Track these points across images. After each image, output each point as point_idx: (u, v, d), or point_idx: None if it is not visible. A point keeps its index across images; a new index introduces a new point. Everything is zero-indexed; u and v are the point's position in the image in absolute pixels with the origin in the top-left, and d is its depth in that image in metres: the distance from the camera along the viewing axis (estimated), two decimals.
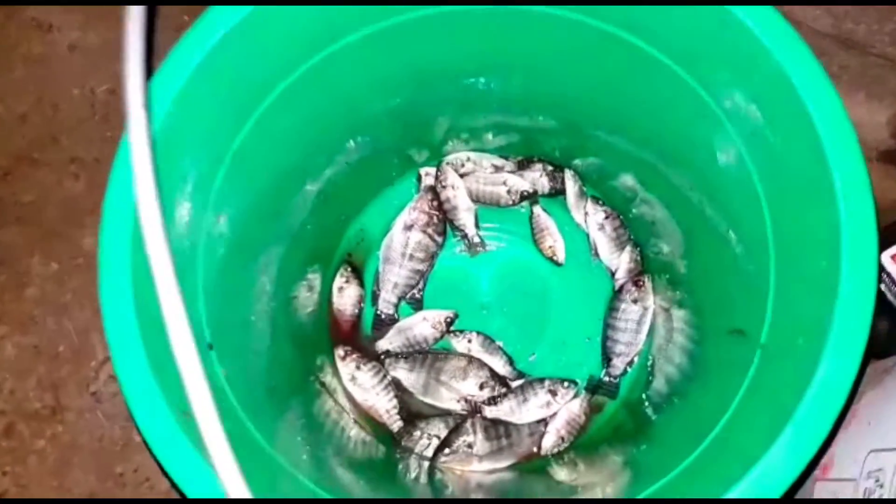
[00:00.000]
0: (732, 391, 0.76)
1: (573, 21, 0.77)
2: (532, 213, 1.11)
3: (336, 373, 1.04)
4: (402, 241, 1.06)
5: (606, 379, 1.06)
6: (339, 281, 1.10)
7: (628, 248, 1.09)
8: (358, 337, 1.10)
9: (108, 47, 1.27)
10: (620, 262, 1.09)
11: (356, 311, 1.10)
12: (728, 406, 0.75)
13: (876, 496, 0.72)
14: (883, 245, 0.87)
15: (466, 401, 1.03)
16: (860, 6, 1.07)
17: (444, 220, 1.09)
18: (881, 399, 0.79)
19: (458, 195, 1.09)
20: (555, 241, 1.10)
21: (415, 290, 1.09)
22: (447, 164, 1.10)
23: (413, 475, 0.99)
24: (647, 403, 1.01)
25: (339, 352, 1.04)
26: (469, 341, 1.06)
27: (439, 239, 1.09)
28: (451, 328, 1.07)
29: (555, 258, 1.10)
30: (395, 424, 1.04)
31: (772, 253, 0.78)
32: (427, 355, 1.05)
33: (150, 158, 0.49)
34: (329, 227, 1.09)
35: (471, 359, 1.05)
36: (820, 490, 0.88)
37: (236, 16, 0.68)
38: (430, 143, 1.08)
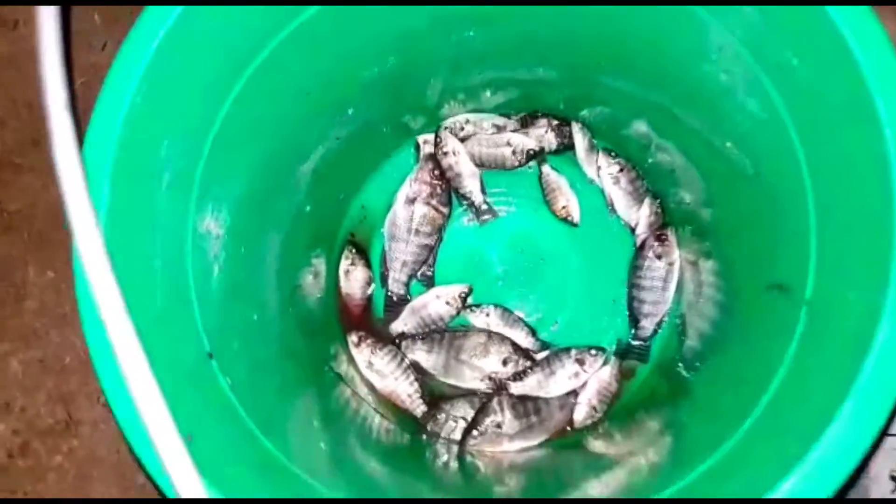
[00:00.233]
0: (778, 354, 0.70)
1: None
2: (541, 172, 1.07)
3: (351, 361, 1.02)
4: (406, 216, 1.02)
5: (636, 342, 1.02)
6: (344, 264, 1.06)
7: (647, 201, 1.04)
8: (370, 321, 1.07)
9: (78, 39, 1.20)
10: (640, 216, 1.04)
11: (366, 294, 1.07)
12: (775, 371, 0.69)
13: None
14: None
15: (490, 378, 1.01)
16: None
17: (448, 190, 1.05)
18: None
19: (460, 161, 1.04)
20: (568, 201, 1.05)
21: (425, 267, 1.05)
22: (445, 128, 1.05)
23: (442, 461, 0.96)
24: (680, 364, 0.97)
25: (353, 338, 1.01)
26: (487, 315, 1.03)
27: (445, 210, 1.05)
28: (467, 303, 1.04)
29: (569, 219, 1.06)
30: (419, 409, 1.01)
31: (809, 195, 0.71)
32: (444, 334, 1.02)
33: (80, 166, 0.42)
34: (328, 207, 1.05)
35: (491, 334, 1.01)
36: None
37: None
38: (425, 108, 1.03)
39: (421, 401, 1.01)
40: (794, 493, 0.55)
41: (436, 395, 1.02)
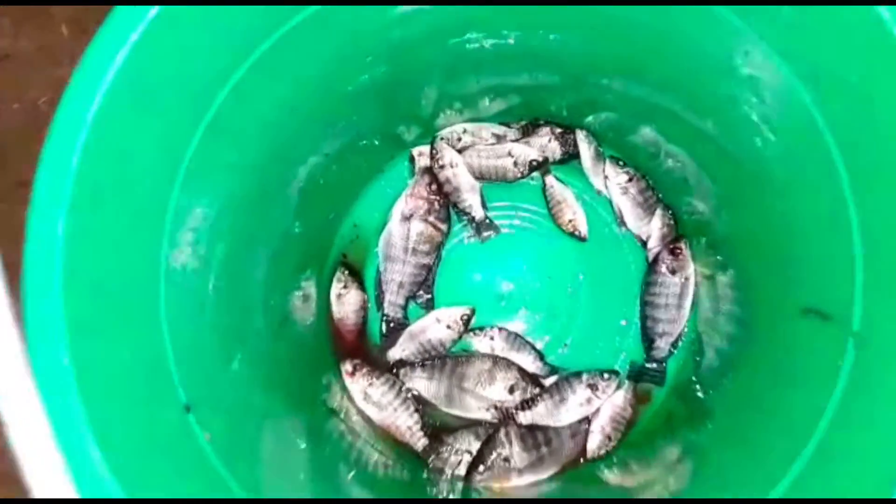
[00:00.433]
0: (822, 388, 0.64)
1: None
2: (545, 184, 1.03)
3: (345, 392, 0.97)
4: (402, 235, 0.98)
5: (651, 364, 0.98)
6: (336, 287, 1.02)
7: (659, 212, 1.01)
8: (365, 348, 1.02)
9: (44, 53, 1.12)
10: (651, 228, 1.00)
11: (360, 318, 1.02)
12: (822, 409, 0.63)
13: None
14: None
15: (496, 408, 0.96)
16: None
17: (446, 205, 1.01)
18: None
19: (458, 174, 1.00)
20: (574, 214, 1.01)
21: (423, 289, 1.01)
22: (441, 139, 1.02)
23: (446, 498, 0.92)
24: (698, 386, 0.94)
25: (347, 367, 0.96)
26: (491, 339, 0.99)
27: (443, 227, 1.01)
28: (470, 326, 1.00)
29: (577, 233, 1.01)
30: (420, 442, 0.96)
31: (852, 213, 0.64)
32: (446, 361, 0.98)
33: None
34: (318, 227, 1.01)
35: (496, 359, 0.97)
36: None
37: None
38: (419, 118, 1.00)
39: (422, 433, 0.96)
40: None
41: (438, 427, 0.98)
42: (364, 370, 0.96)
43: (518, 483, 0.92)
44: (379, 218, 1.03)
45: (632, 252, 1.03)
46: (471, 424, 0.97)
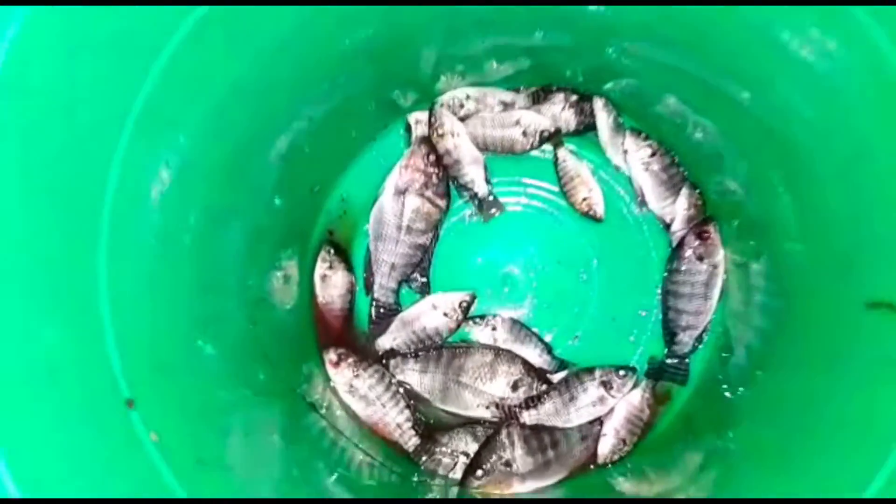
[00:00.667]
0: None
1: None
2: (557, 157, 0.99)
3: (328, 384, 0.94)
4: (395, 211, 0.94)
5: (672, 360, 0.95)
6: (321, 267, 0.98)
7: (684, 191, 0.96)
8: (352, 336, 0.99)
9: None
10: (676, 209, 0.96)
11: (346, 303, 0.99)
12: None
13: None
14: None
15: (497, 406, 0.93)
16: None
17: (445, 179, 0.97)
18: None
19: (460, 145, 0.96)
20: (590, 192, 0.97)
21: (417, 271, 0.97)
22: (442, 106, 0.98)
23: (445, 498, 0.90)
24: (725, 385, 0.90)
25: (331, 356, 0.93)
26: (493, 329, 0.96)
27: (442, 203, 0.96)
28: (469, 314, 0.96)
29: (591, 213, 0.98)
30: (410, 442, 0.93)
31: None
32: (442, 351, 0.95)
33: None
34: (301, 200, 0.97)
35: (498, 351, 0.94)
36: None
37: None
38: (417, 81, 0.96)
39: (413, 432, 0.93)
40: None
41: (431, 426, 0.95)
42: (350, 360, 0.93)
43: (520, 490, 0.89)
44: (370, 192, 0.98)
45: (653, 235, 0.99)
46: (468, 423, 0.94)
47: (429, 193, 0.94)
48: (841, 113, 0.66)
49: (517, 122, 0.97)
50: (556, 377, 0.95)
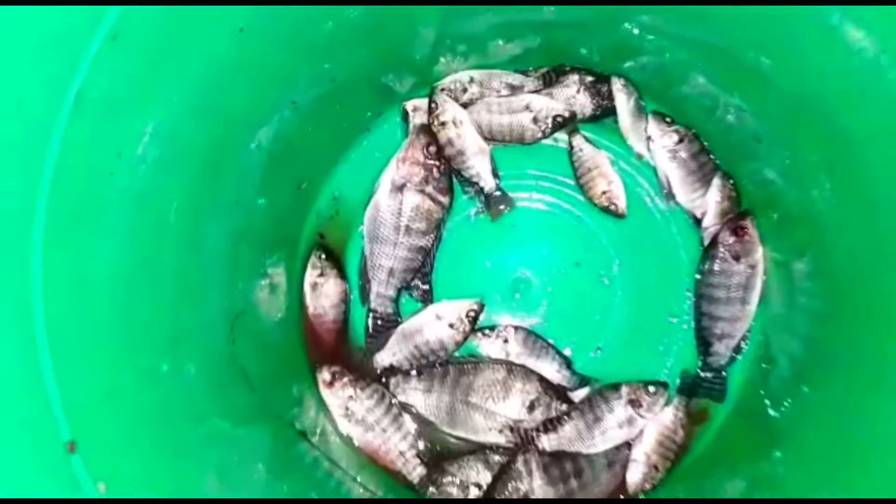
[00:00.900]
0: None
1: None
2: (572, 146, 0.96)
3: (322, 407, 0.91)
4: (392, 209, 0.90)
5: (707, 374, 0.91)
6: (311, 274, 0.95)
7: (717, 181, 0.93)
8: (347, 351, 0.96)
9: None
10: (707, 201, 0.93)
11: (340, 314, 0.96)
12: None
13: None
14: None
15: (512, 429, 0.89)
16: None
17: (447, 172, 0.94)
18: None
19: (462, 134, 0.93)
20: (609, 184, 0.94)
21: (419, 277, 0.94)
22: (442, 90, 0.95)
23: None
24: (768, 401, 0.86)
25: (324, 375, 0.91)
26: (505, 341, 0.93)
27: (444, 199, 0.93)
28: (477, 325, 0.93)
29: (612, 207, 0.95)
30: (415, 472, 0.89)
31: None
32: (448, 368, 0.92)
33: None
34: (288, 199, 0.94)
35: (510, 366, 0.91)
36: None
37: None
38: (413, 64, 0.93)
39: (418, 460, 0.90)
40: None
41: (437, 453, 0.92)
42: (345, 379, 0.90)
43: None
44: (364, 188, 0.96)
45: (682, 232, 0.97)
46: (479, 449, 0.91)
47: (429, 189, 0.91)
48: (888, 93, 0.63)
49: (527, 108, 0.94)
50: (578, 395, 0.93)
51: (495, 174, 0.95)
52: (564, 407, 0.89)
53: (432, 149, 0.92)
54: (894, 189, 0.67)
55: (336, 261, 0.96)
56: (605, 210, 0.95)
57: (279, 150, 0.84)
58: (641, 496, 0.88)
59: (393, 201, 0.90)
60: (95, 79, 0.56)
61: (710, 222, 0.92)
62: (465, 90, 0.96)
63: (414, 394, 0.91)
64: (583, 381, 0.92)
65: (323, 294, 0.95)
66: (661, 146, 0.93)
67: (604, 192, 0.94)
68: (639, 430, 0.88)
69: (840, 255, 0.79)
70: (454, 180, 0.96)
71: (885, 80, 0.63)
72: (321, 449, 0.86)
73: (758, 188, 0.91)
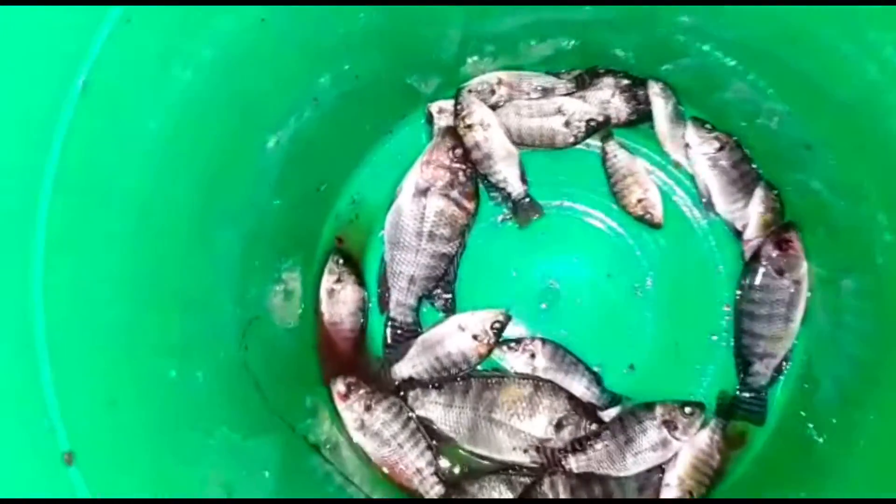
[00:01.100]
0: None
1: None
2: (606, 152, 0.95)
3: (336, 420, 0.89)
4: (415, 214, 0.89)
5: (747, 394, 0.89)
6: (328, 280, 0.94)
7: (759, 191, 0.92)
8: (364, 362, 0.95)
9: None
10: (749, 212, 0.91)
11: (357, 322, 0.95)
12: None
13: None
14: None
15: (538, 449, 0.87)
16: None
17: (473, 177, 0.93)
18: None
19: (490, 137, 0.92)
20: (645, 192, 0.93)
21: (441, 286, 0.93)
22: (469, 92, 0.94)
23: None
24: (811, 424, 0.84)
25: (339, 387, 0.89)
26: (532, 356, 0.91)
27: (470, 205, 0.92)
28: (502, 338, 0.92)
29: (648, 217, 0.93)
30: (433, 491, 0.88)
31: None
32: (470, 382, 0.91)
33: None
34: (305, 201, 0.93)
35: (537, 382, 0.89)
36: None
37: None
38: (439, 64, 0.92)
39: (435, 479, 0.88)
40: None
41: (458, 472, 0.91)
42: (361, 391, 0.89)
43: None
44: (385, 192, 0.94)
45: (722, 244, 0.94)
46: (502, 469, 0.90)
47: (454, 194, 0.90)
48: None
49: (558, 111, 0.93)
50: (608, 415, 0.91)
51: (524, 180, 0.94)
52: (594, 426, 0.87)
53: (458, 152, 0.90)
54: None
55: (354, 266, 0.95)
56: (640, 219, 0.93)
57: (298, 150, 0.83)
58: None
59: (416, 206, 0.89)
60: (104, 66, 0.55)
61: (753, 234, 0.90)
62: (493, 92, 0.94)
63: (433, 408, 0.89)
64: (613, 400, 0.90)
65: (340, 301, 0.94)
66: (700, 153, 0.92)
67: (639, 201, 0.92)
68: (673, 454, 0.86)
69: (891, 273, 0.77)
70: (480, 185, 0.94)
71: None
72: (334, 463, 0.85)
73: (802, 199, 0.89)
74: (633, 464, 0.85)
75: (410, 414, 0.89)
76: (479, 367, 0.92)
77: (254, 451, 0.76)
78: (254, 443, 0.76)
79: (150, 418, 0.61)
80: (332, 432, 0.88)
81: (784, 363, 0.88)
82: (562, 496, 0.85)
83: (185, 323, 0.70)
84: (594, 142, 0.95)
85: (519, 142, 0.94)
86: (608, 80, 0.95)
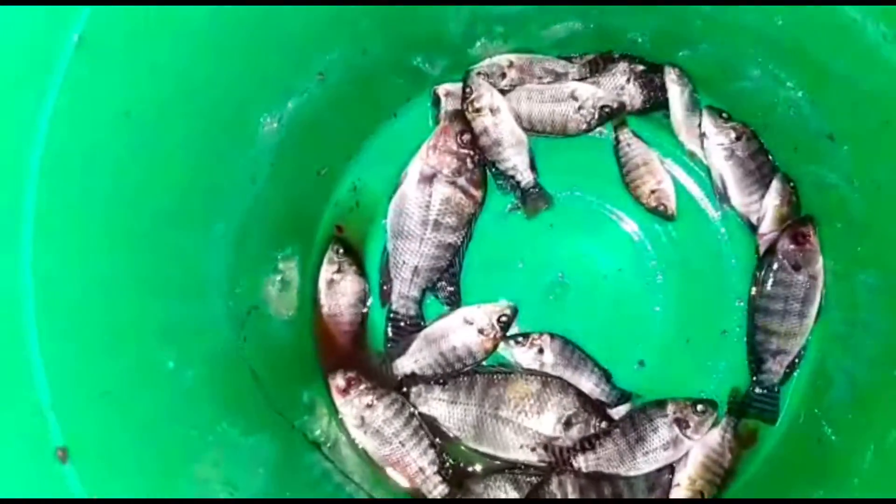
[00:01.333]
0: None
1: None
2: (618, 140, 0.93)
3: (334, 416, 0.88)
4: (420, 202, 0.88)
5: (759, 392, 0.88)
6: (327, 270, 0.93)
7: (775, 184, 0.90)
8: (364, 356, 0.93)
9: None
10: (765, 205, 0.90)
11: (357, 315, 0.94)
12: None
13: None
14: None
15: (546, 447, 0.86)
16: None
17: (481, 164, 0.92)
18: None
19: (499, 122, 0.91)
20: (659, 183, 0.92)
21: (445, 278, 0.91)
22: (478, 75, 0.93)
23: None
24: (825, 423, 0.84)
25: (338, 382, 0.88)
26: (539, 351, 0.90)
27: (477, 193, 0.90)
28: (509, 332, 0.91)
29: (661, 208, 0.92)
30: (436, 490, 0.86)
31: None
32: (475, 378, 0.89)
33: None
34: (303, 187, 0.92)
35: (545, 378, 0.88)
36: None
37: None
38: (447, 44, 0.90)
39: (439, 478, 0.86)
40: None
41: (461, 470, 0.90)
42: (361, 387, 0.88)
43: None
44: (388, 178, 0.92)
45: (736, 237, 0.93)
46: (508, 468, 0.89)
47: (461, 181, 0.88)
48: None
49: (571, 96, 0.91)
50: (618, 412, 0.89)
51: (533, 168, 0.92)
52: (604, 424, 0.86)
53: (466, 137, 0.88)
54: None
55: (355, 256, 0.94)
56: (653, 211, 0.92)
57: (297, 132, 0.81)
58: None
59: (421, 193, 0.87)
60: (89, 45, 0.52)
61: (768, 228, 0.89)
62: (503, 75, 0.93)
63: (437, 405, 0.88)
64: (623, 397, 0.89)
65: (339, 292, 0.93)
66: (716, 144, 0.90)
67: (652, 192, 0.91)
68: (684, 453, 0.85)
69: None
70: (488, 173, 0.93)
71: None
72: (333, 460, 0.84)
73: (819, 193, 0.88)
74: (644, 463, 0.84)
75: (413, 411, 0.88)
76: (484, 363, 0.91)
77: (251, 447, 0.74)
78: (253, 439, 0.75)
79: (146, 412, 0.60)
80: (330, 429, 0.88)
81: (797, 360, 0.87)
82: (570, 496, 0.84)
83: (179, 312, 0.68)
84: (606, 128, 0.93)
85: (529, 128, 0.92)
86: (622, 66, 0.93)
